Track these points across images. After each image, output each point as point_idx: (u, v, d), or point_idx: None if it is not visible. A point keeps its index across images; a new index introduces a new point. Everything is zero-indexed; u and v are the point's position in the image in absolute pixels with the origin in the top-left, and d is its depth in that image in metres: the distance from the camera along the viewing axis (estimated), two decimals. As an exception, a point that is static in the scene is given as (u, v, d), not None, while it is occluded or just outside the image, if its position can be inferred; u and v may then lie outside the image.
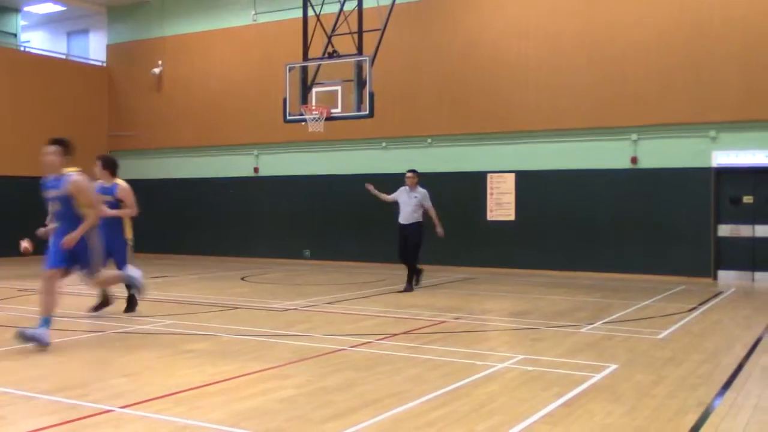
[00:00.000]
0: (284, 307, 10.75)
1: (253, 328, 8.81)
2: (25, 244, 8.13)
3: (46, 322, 7.31)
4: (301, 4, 14.75)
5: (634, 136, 15.63)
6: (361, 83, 13.52)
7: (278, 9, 19.15)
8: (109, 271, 8.23)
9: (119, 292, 9.91)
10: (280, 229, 19.56)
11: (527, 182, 16.61)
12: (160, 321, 9.23)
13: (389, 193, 12.76)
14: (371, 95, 13.41)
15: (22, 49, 22.45)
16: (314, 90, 14.18)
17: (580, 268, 15.82)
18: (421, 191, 12.52)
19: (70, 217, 7.53)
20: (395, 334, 8.36)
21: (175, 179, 21.34)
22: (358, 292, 12.45)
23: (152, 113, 21.60)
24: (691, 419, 5.07)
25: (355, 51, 14.10)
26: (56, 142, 7.60)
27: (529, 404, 5.41)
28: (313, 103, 14.07)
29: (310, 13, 14.60)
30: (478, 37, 17.11)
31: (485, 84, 16.97)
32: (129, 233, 9.58)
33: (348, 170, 18.59)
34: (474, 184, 17.06)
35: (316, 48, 14.50)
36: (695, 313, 10.24)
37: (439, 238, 12.55)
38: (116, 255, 9.36)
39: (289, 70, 14.35)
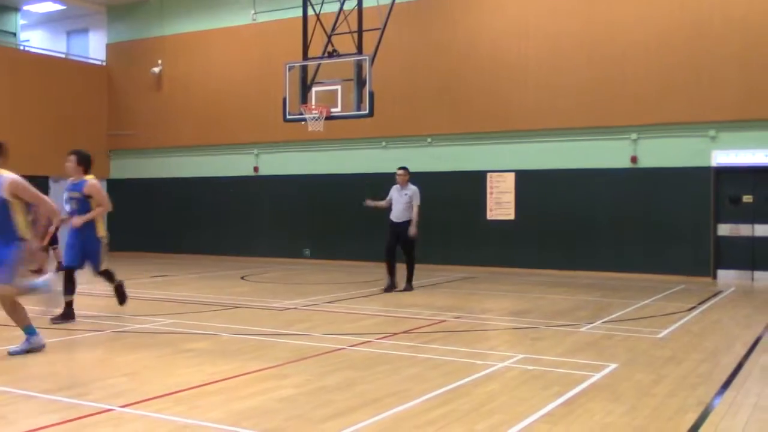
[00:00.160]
0: (284, 306, 10.74)
1: (253, 327, 8.81)
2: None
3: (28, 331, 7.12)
4: (300, 3, 14.73)
5: (633, 136, 15.63)
6: (360, 82, 13.51)
7: (278, 8, 19.14)
8: (19, 282, 7.16)
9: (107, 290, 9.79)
10: (280, 229, 19.56)
11: (527, 181, 16.61)
12: (160, 320, 9.23)
13: (384, 197, 12.68)
14: (371, 94, 13.40)
15: (21, 48, 22.42)
16: (314, 89, 14.16)
17: (580, 267, 15.82)
18: (412, 188, 12.40)
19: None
20: (395, 334, 8.36)
21: (174, 178, 21.33)
22: (358, 291, 12.45)
23: (152, 112, 21.60)
24: (691, 418, 5.07)
25: (354, 50, 14.09)
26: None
27: (529, 403, 5.41)
28: (313, 102, 14.06)
29: (310, 12, 14.58)
30: (478, 36, 17.11)
31: (485, 83, 16.97)
32: (102, 231, 9.23)
33: (348, 169, 18.60)
34: (474, 183, 17.06)
35: (316, 47, 14.49)
36: (695, 313, 10.24)
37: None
38: (91, 256, 9.16)
39: (289, 70, 14.34)
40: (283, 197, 19.54)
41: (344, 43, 14.37)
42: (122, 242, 21.93)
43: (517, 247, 16.62)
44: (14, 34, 22.96)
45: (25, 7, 22.78)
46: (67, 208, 9.23)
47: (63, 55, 22.81)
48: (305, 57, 14.35)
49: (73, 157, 9.20)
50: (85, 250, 9.10)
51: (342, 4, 14.59)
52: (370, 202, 12.67)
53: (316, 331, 8.48)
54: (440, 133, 17.56)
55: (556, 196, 16.28)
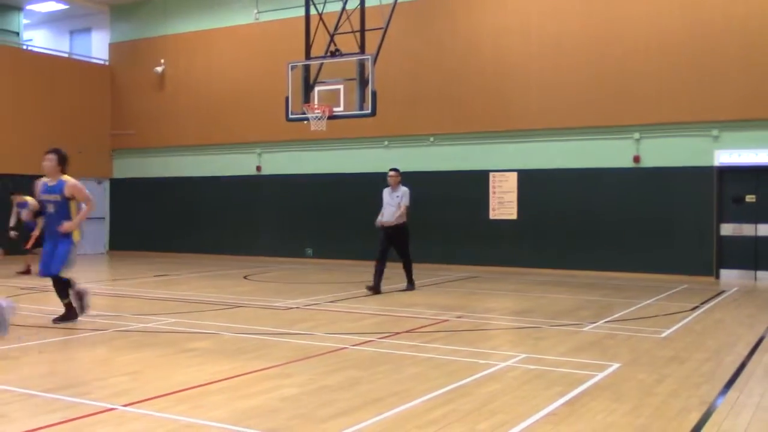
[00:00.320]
0: (286, 305, 10.74)
1: (256, 326, 8.81)
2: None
3: None
4: (303, 2, 14.73)
5: (636, 135, 15.61)
6: (363, 82, 13.50)
7: (280, 7, 19.15)
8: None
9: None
10: (282, 228, 19.57)
11: (529, 181, 16.59)
12: (162, 319, 9.23)
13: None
14: (373, 94, 13.39)
15: (24, 47, 22.46)
16: (316, 89, 14.15)
17: (583, 266, 15.80)
18: (403, 189, 12.32)
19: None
20: (397, 333, 8.36)
21: (177, 178, 21.34)
22: (360, 291, 12.44)
23: (155, 112, 21.62)
24: (694, 418, 5.06)
25: (357, 50, 14.09)
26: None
27: (532, 403, 5.40)
28: (316, 101, 14.05)
29: (313, 11, 14.59)
30: (481, 36, 17.09)
31: (487, 83, 16.96)
32: (77, 236, 8.81)
33: (350, 169, 18.60)
34: (476, 182, 17.05)
35: (319, 47, 14.49)
36: (697, 312, 10.22)
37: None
38: (57, 256, 8.67)
39: (292, 69, 14.34)
40: (286, 197, 19.54)
41: (347, 43, 14.37)
42: (125, 241, 22.05)
43: (520, 246, 16.61)
44: (17, 34, 22.99)
45: (28, 7, 22.81)
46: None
47: (66, 55, 22.85)
48: (308, 56, 14.34)
49: (53, 156, 8.75)
50: (55, 251, 8.68)
51: (345, 4, 14.59)
52: (379, 221, 12.40)
53: (318, 331, 8.48)
54: (443, 132, 17.55)
55: (558, 195, 16.26)
